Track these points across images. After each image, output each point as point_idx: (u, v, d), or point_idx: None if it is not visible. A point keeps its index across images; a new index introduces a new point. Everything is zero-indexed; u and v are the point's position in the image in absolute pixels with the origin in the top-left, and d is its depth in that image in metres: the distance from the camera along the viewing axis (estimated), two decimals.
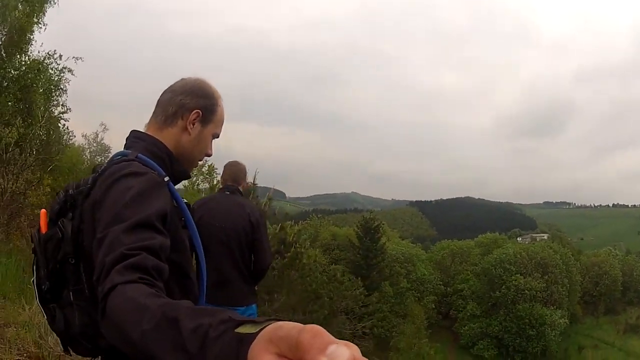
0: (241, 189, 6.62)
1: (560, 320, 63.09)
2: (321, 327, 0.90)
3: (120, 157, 2.41)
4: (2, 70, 17.26)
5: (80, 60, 19.59)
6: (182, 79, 2.70)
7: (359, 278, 51.35)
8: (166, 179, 2.38)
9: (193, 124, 2.62)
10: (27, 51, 18.36)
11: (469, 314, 67.66)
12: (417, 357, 51.07)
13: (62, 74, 19.45)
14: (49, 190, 16.23)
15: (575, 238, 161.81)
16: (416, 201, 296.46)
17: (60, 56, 19.10)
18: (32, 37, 18.23)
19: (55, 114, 19.83)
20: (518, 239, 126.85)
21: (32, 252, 2.42)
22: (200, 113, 2.63)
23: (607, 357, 64.74)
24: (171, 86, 2.67)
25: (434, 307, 67.72)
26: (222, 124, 2.79)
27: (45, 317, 2.40)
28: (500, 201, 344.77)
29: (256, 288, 6.66)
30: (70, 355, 2.49)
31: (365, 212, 76.70)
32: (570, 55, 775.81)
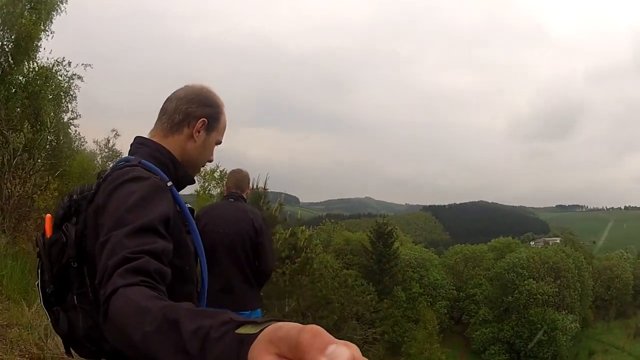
0: (245, 196, 6.76)
1: (572, 325, 62.70)
2: (321, 327, 0.90)
3: (124, 163, 2.44)
4: (9, 77, 17.40)
5: (89, 67, 19.76)
6: (186, 86, 2.75)
7: (371, 283, 51.31)
8: (169, 184, 2.41)
9: (199, 132, 2.67)
10: (35, 58, 18.40)
11: (481, 319, 67.17)
12: None
13: (71, 81, 19.56)
14: (57, 194, 16.34)
15: (588, 241, 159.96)
16: (430, 206, 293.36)
17: (69, 63, 19.25)
18: (39, 44, 18.25)
19: (65, 120, 19.95)
20: (531, 243, 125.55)
21: (37, 256, 2.45)
22: (206, 121, 2.68)
23: None
24: (176, 93, 2.72)
25: (446, 312, 67.53)
26: (224, 131, 2.84)
27: (50, 319, 2.45)
28: (514, 205, 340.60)
29: (261, 293, 6.81)
30: (73, 357, 2.51)
31: (378, 217, 76.06)
32: (584, 55, 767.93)
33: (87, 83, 20.25)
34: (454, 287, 71.99)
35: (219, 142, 2.83)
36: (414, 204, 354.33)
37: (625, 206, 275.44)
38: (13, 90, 17.48)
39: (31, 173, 15.12)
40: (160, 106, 2.74)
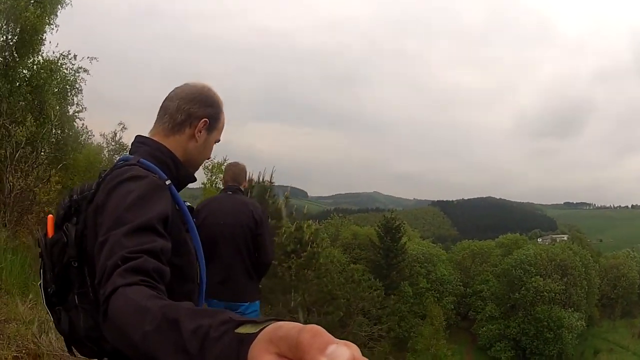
0: (242, 189, 6.83)
1: (578, 323, 62.80)
2: (321, 327, 0.90)
3: (123, 162, 2.44)
4: (12, 71, 17.36)
5: (95, 60, 19.80)
6: (186, 85, 2.76)
7: (378, 278, 51.25)
8: (167, 182, 2.41)
9: (200, 132, 2.68)
10: (40, 52, 18.40)
11: (487, 315, 67.35)
12: (435, 359, 50.90)
13: (77, 74, 19.61)
14: (60, 187, 16.45)
15: (595, 239, 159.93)
16: (438, 201, 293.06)
17: (75, 56, 19.29)
18: (44, 37, 18.27)
19: (70, 113, 19.99)
20: (538, 239, 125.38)
21: (39, 256, 2.45)
22: (208, 121, 2.69)
23: None
24: (176, 92, 2.72)
25: (452, 308, 67.65)
26: (222, 130, 2.85)
27: (52, 319, 2.45)
28: (522, 201, 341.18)
29: (260, 286, 6.86)
30: (75, 355, 2.53)
31: (386, 212, 76.08)
32: (590, 54, 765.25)
33: (97, 78, 20.29)
34: (461, 283, 72.22)
35: (218, 141, 2.84)
36: (422, 199, 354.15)
37: (632, 205, 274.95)
38: (17, 84, 17.44)
39: (34, 166, 15.11)
40: (161, 103, 2.73)
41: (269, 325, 0.99)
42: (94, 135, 24.03)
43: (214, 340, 1.16)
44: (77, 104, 20.25)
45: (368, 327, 29.89)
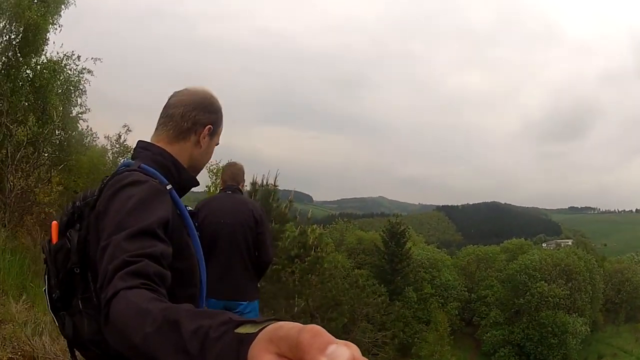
0: (241, 188, 6.90)
1: (582, 328, 62.55)
2: (321, 327, 0.90)
3: (124, 168, 2.47)
4: (14, 71, 17.31)
5: (99, 60, 19.73)
6: (187, 90, 2.78)
7: (382, 284, 51.27)
8: (168, 187, 2.43)
9: (204, 138, 2.72)
10: (44, 52, 18.34)
11: (491, 320, 66.97)
12: None
13: (81, 75, 19.54)
14: (61, 188, 16.48)
15: (599, 244, 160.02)
16: (443, 206, 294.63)
17: (79, 57, 19.20)
18: (47, 37, 18.19)
19: (74, 114, 19.93)
20: (543, 244, 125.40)
21: (44, 262, 2.48)
22: (211, 128, 2.74)
23: None
24: (179, 99, 2.73)
25: (457, 313, 67.43)
26: (221, 133, 2.88)
27: (57, 324, 2.44)
28: (527, 206, 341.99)
29: (259, 285, 7.00)
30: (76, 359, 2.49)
31: (391, 217, 76.19)
32: (596, 56, 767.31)
33: (102, 79, 20.21)
34: (465, 289, 71.86)
35: (217, 144, 2.87)
36: (427, 203, 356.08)
37: (637, 209, 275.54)
38: (20, 84, 17.39)
39: (35, 167, 15.07)
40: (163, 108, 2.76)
41: (269, 325, 0.99)
42: (98, 138, 24.05)
43: (214, 341, 1.17)
44: (81, 105, 20.21)
45: (372, 334, 29.80)
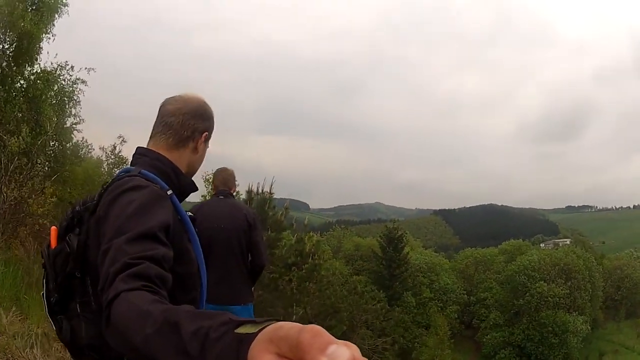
0: (232, 193, 7.00)
1: (583, 327, 62.61)
2: (321, 327, 0.90)
3: (124, 174, 2.49)
4: (9, 80, 17.18)
5: (92, 70, 19.50)
6: (182, 98, 2.80)
7: (381, 290, 51.27)
8: (169, 192, 2.45)
9: (201, 145, 2.77)
10: (37, 61, 18.11)
11: (491, 323, 66.95)
12: None
13: (75, 85, 19.31)
14: (55, 199, 16.36)
15: (597, 242, 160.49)
16: (440, 210, 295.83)
17: (72, 67, 19.00)
18: (41, 47, 17.92)
19: (68, 124, 19.68)
20: (541, 245, 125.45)
21: (42, 267, 2.51)
22: (207, 134, 2.80)
23: None
24: (177, 107, 2.74)
25: (456, 316, 67.41)
26: None
27: (54, 328, 2.46)
28: (524, 207, 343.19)
29: (252, 289, 7.00)
30: None
31: (388, 222, 76.36)
32: (590, 56, 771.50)
33: (99, 90, 20.15)
34: (464, 292, 72.04)
35: (207, 147, 2.90)
36: (424, 208, 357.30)
37: (634, 205, 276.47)
38: (13, 94, 17.22)
39: (28, 177, 15.00)
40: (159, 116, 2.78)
41: (269, 326, 1.00)
42: (93, 149, 23.98)
43: (214, 341, 1.18)
44: (75, 115, 19.98)
45: (372, 340, 29.72)
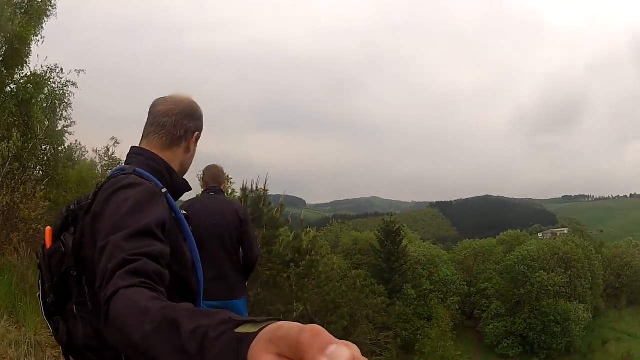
0: (223, 189, 7.06)
1: (584, 315, 62.79)
2: (321, 327, 0.90)
3: (119, 172, 2.50)
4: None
5: (83, 72, 19.27)
6: (173, 98, 2.81)
7: (381, 283, 51.29)
8: (164, 190, 2.45)
9: (193, 144, 2.82)
10: (27, 64, 17.94)
11: (493, 313, 67.28)
12: None
13: (65, 88, 19.22)
14: (48, 203, 16.19)
15: (595, 230, 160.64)
16: (436, 202, 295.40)
17: (62, 69, 18.82)
18: (30, 49, 17.77)
19: (59, 128, 19.63)
20: (539, 235, 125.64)
21: (38, 268, 2.47)
22: (198, 134, 2.84)
23: (630, 348, 63.79)
24: (169, 107, 2.77)
25: (457, 307, 67.52)
26: None
27: (50, 329, 2.44)
28: (520, 198, 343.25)
29: (247, 284, 7.16)
30: None
31: (385, 216, 76.37)
32: (583, 46, 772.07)
33: (92, 93, 20.11)
34: (464, 283, 72.04)
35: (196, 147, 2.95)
36: (421, 200, 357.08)
37: (631, 194, 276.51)
38: (4, 98, 17.07)
39: (21, 182, 14.91)
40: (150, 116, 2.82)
41: (269, 325, 0.99)
42: (87, 152, 23.91)
43: (213, 340, 1.18)
44: (66, 118, 19.89)
45: (373, 335, 29.65)
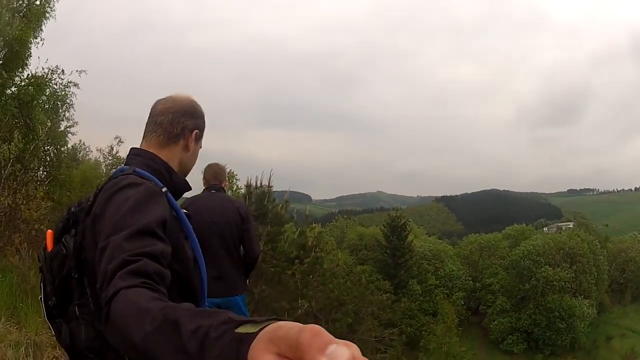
0: (224, 187, 7.07)
1: (589, 311, 62.65)
2: (321, 327, 0.91)
3: (119, 173, 2.51)
4: (0, 87, 17.10)
5: (84, 73, 19.27)
6: (172, 97, 2.83)
7: (386, 278, 51.18)
8: (164, 189, 2.45)
9: (192, 143, 2.80)
10: (27, 66, 17.95)
11: (498, 308, 67.10)
12: (447, 357, 50.53)
13: (66, 89, 19.18)
14: (50, 204, 16.20)
15: (600, 224, 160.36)
16: (442, 196, 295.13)
17: (63, 71, 18.80)
18: (30, 52, 17.82)
19: (62, 128, 19.66)
20: (544, 229, 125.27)
21: (39, 271, 2.48)
22: (198, 132, 2.82)
23: (635, 345, 63.45)
24: (167, 106, 2.78)
25: (463, 303, 67.37)
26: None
27: (53, 332, 2.44)
28: (526, 192, 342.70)
29: (248, 282, 7.21)
30: None
31: (391, 211, 76.30)
32: (585, 39, 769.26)
33: (95, 93, 20.07)
34: (470, 278, 71.82)
35: (200, 147, 2.94)
36: (426, 195, 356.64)
37: (635, 187, 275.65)
38: (5, 101, 17.07)
39: (23, 183, 14.93)
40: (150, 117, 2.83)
41: (269, 325, 1.00)
42: (91, 151, 23.95)
43: (214, 340, 1.18)
44: (69, 118, 19.89)
45: (378, 332, 29.59)
